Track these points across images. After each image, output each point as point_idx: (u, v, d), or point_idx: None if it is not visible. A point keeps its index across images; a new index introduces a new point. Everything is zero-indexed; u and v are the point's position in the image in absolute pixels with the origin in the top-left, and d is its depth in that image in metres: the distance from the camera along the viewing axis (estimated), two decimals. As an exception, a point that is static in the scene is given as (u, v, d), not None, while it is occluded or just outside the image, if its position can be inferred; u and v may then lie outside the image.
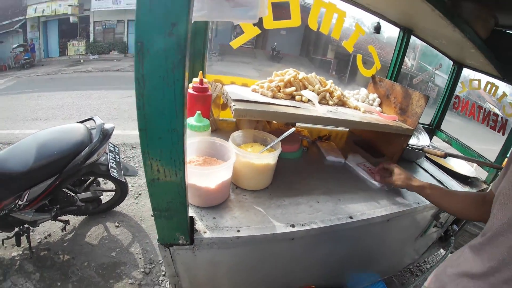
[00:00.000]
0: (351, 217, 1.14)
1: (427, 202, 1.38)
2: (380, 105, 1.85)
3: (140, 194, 2.94)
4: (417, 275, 2.42)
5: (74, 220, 2.43)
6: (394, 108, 1.74)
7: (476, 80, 2.30)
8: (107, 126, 2.11)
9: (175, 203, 0.78)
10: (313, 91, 1.46)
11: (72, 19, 14.86)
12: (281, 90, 1.40)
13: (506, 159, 1.49)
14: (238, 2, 0.94)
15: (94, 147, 1.93)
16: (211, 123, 1.41)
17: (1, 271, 1.94)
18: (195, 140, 1.07)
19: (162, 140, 0.66)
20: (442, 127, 2.55)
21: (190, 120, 1.18)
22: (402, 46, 1.99)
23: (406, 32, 1.92)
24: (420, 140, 2.03)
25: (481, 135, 4.55)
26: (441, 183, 1.70)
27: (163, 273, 2.09)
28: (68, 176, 1.88)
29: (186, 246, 0.88)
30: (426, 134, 2.07)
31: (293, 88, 1.41)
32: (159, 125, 0.64)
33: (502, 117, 2.12)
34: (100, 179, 2.62)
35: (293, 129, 1.17)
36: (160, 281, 2.04)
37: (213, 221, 0.96)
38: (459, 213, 1.07)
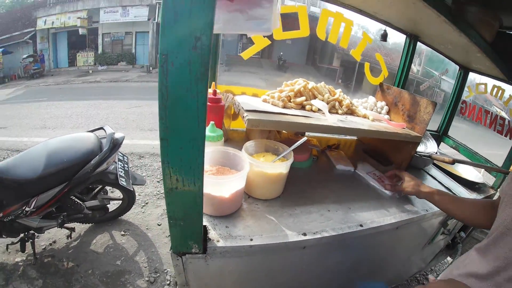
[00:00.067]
0: (361, 225, 1.15)
1: (436, 209, 1.39)
2: (388, 112, 1.86)
3: (147, 203, 2.95)
4: (423, 284, 2.38)
5: (80, 227, 2.45)
6: (402, 115, 1.75)
7: (482, 84, 2.28)
8: (117, 135, 2.14)
9: (192, 212, 0.80)
10: (322, 100, 1.47)
11: (81, 31, 15.21)
12: (291, 100, 1.42)
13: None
14: (252, 15, 0.97)
15: (104, 156, 1.96)
16: (223, 133, 1.43)
17: (4, 276, 1.96)
18: (208, 150, 1.09)
19: (183, 150, 0.67)
20: (450, 132, 2.54)
21: (205, 130, 1.21)
22: (409, 53, 2.01)
23: (413, 38, 1.94)
24: (428, 147, 2.03)
25: (488, 140, 4.51)
26: (449, 189, 1.69)
27: (168, 282, 2.09)
28: (77, 184, 1.90)
29: (199, 255, 0.90)
30: (434, 141, 2.07)
31: (303, 98, 1.42)
32: (181, 135, 0.66)
33: (509, 121, 2.08)
34: (108, 188, 2.65)
35: (304, 138, 1.19)
36: None
37: (226, 230, 0.97)
38: (468, 220, 1.07)
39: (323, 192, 1.33)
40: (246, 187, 1.11)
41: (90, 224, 2.51)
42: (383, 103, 1.89)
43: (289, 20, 1.61)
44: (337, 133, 1.32)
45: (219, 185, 0.95)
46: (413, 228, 1.42)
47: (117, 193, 2.71)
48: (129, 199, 2.45)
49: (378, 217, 1.23)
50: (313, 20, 1.60)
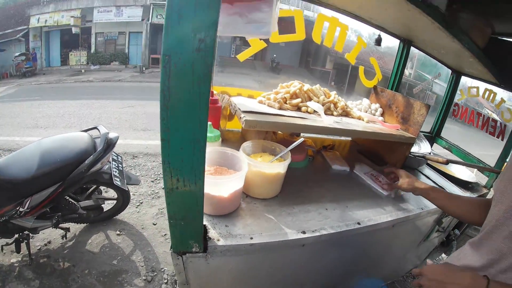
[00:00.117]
0: (358, 223, 1.17)
1: (431, 207, 1.43)
2: (382, 114, 1.89)
3: (141, 203, 2.94)
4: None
5: (75, 227, 2.43)
6: (396, 117, 1.78)
7: (474, 87, 2.34)
8: (111, 135, 2.12)
9: (192, 211, 0.80)
10: (318, 102, 1.50)
11: (74, 30, 15.05)
12: (287, 102, 1.44)
13: (505, 163, 1.52)
14: (251, 18, 0.99)
15: (98, 156, 1.94)
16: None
17: (0, 277, 1.93)
18: (206, 150, 1.09)
19: (184, 151, 0.68)
20: (442, 134, 2.60)
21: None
22: (403, 57, 2.05)
23: (406, 43, 1.98)
24: (421, 147, 2.07)
25: (480, 141, 4.60)
26: (443, 188, 1.73)
27: (165, 281, 2.09)
28: (71, 184, 1.89)
29: (199, 254, 0.91)
30: (427, 142, 2.11)
31: (299, 100, 1.45)
32: (182, 135, 0.66)
33: (501, 123, 2.15)
34: (102, 187, 2.63)
35: (302, 139, 1.21)
36: None
37: (226, 229, 0.98)
38: (463, 217, 1.08)
39: (320, 191, 1.36)
40: (244, 186, 1.13)
41: (85, 224, 2.49)
42: (377, 105, 1.93)
43: (285, 24, 1.63)
44: (333, 134, 1.34)
45: (218, 185, 0.96)
46: (408, 226, 1.45)
47: (112, 193, 2.71)
48: (123, 198, 2.44)
49: (374, 215, 1.25)
50: (307, 24, 1.62)
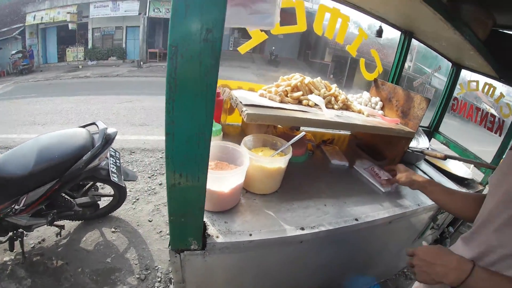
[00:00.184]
0: (356, 219, 1.17)
1: (427, 204, 1.43)
2: (382, 108, 1.88)
3: (137, 199, 2.92)
4: (411, 279, 2.42)
5: (70, 225, 2.41)
6: (396, 111, 1.77)
7: (474, 81, 2.33)
8: (110, 131, 2.10)
9: (194, 208, 0.79)
10: (319, 95, 1.48)
11: (70, 26, 14.89)
12: (288, 95, 1.42)
13: (502, 159, 1.52)
14: (255, 9, 0.96)
15: (96, 152, 1.92)
16: (220, 127, 1.43)
17: None
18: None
19: (189, 144, 0.67)
20: (440, 129, 2.59)
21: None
22: (404, 49, 2.03)
23: (407, 35, 1.96)
24: (420, 142, 2.06)
25: (477, 137, 4.60)
26: (440, 183, 1.74)
27: (159, 279, 2.07)
28: (68, 180, 1.86)
29: (198, 252, 0.90)
30: (426, 137, 2.11)
31: (300, 93, 1.43)
32: (188, 129, 0.65)
33: (499, 118, 2.13)
34: (99, 184, 2.60)
35: (303, 133, 1.20)
36: None
37: (225, 225, 0.97)
38: (459, 212, 1.08)
39: (319, 187, 1.35)
40: (244, 182, 1.11)
41: (80, 222, 2.47)
42: (377, 98, 1.91)
43: (284, 15, 1.61)
44: (334, 128, 1.34)
45: (219, 180, 0.95)
46: (405, 222, 1.45)
47: (108, 189, 2.68)
48: (120, 195, 2.42)
49: (372, 212, 1.25)
50: (306, 15, 1.60)
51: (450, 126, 3.02)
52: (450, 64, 2.38)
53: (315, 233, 1.04)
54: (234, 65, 11.78)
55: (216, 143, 1.12)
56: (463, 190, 1.80)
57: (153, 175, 3.46)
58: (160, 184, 3.26)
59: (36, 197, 1.79)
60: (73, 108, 6.34)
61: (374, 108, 1.87)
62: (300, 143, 1.42)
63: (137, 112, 6.14)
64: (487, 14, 1.54)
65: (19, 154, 1.81)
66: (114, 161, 2.21)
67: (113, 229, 2.46)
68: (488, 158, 2.09)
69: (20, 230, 1.94)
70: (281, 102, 1.35)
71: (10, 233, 1.93)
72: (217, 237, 0.92)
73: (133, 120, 5.53)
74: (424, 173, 1.86)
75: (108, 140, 2.05)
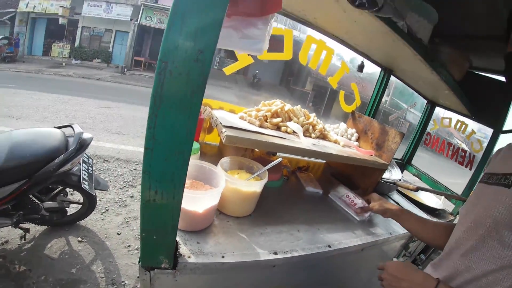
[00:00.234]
0: (329, 246, 1.19)
1: (399, 232, 1.49)
2: (357, 139, 1.96)
3: (107, 210, 2.84)
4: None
5: (35, 229, 2.32)
6: (371, 143, 1.85)
7: (447, 118, 2.48)
8: (86, 135, 2.06)
9: (167, 226, 0.79)
10: (297, 123, 1.53)
11: (61, 20, 14.61)
12: (268, 120, 1.46)
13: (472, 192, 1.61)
14: (246, 34, 1.00)
15: (69, 156, 1.88)
16: (198, 146, 1.44)
17: None
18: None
19: (167, 162, 0.67)
20: (413, 161, 2.71)
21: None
22: (382, 85, 2.14)
23: (387, 72, 2.07)
24: (392, 174, 2.16)
25: (448, 170, 4.82)
26: (411, 213, 1.80)
27: (125, 295, 2.01)
28: (38, 182, 1.80)
29: (168, 271, 0.88)
30: (398, 169, 2.20)
31: (280, 119, 1.47)
32: (168, 146, 0.65)
33: (469, 153, 2.27)
34: (68, 190, 2.52)
35: (280, 159, 1.23)
36: None
37: (198, 246, 0.97)
38: (431, 240, 1.12)
39: (293, 213, 1.37)
40: (218, 203, 1.12)
41: (46, 227, 2.38)
42: (354, 130, 1.99)
43: (272, 41, 1.67)
44: (311, 156, 1.37)
45: (194, 200, 0.95)
46: (377, 250, 1.50)
47: (77, 196, 2.60)
48: (89, 203, 2.35)
49: (345, 239, 1.28)
50: (293, 43, 1.66)
51: (422, 159, 3.17)
52: (425, 101, 2.52)
53: (288, 258, 1.05)
54: (216, 84, 11.85)
55: (193, 162, 1.13)
56: (434, 220, 1.87)
57: (125, 186, 3.38)
58: (132, 197, 3.18)
59: (3, 195, 1.71)
60: (50, 106, 6.16)
61: (350, 139, 1.94)
62: (276, 168, 1.45)
63: (114, 119, 6.03)
64: (465, 57, 1.67)
65: (-12, 147, 1.73)
66: (87, 167, 2.16)
67: (79, 239, 2.37)
68: (458, 190, 2.21)
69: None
70: (260, 126, 1.38)
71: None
72: (189, 257, 0.91)
73: (110, 127, 5.42)
74: (396, 203, 1.93)
75: (83, 145, 2.01)
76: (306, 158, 2.20)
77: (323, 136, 1.66)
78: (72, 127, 2.10)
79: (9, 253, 2.07)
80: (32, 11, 14.40)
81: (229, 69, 1.62)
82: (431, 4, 1.30)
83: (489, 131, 2.11)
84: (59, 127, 2.12)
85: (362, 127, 1.96)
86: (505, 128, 2.03)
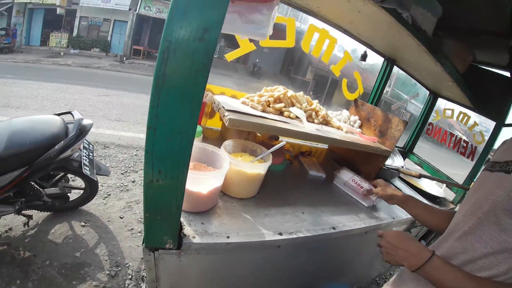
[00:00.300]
0: (333, 228, 1.20)
1: (401, 217, 1.50)
2: (360, 127, 1.95)
3: (109, 195, 2.84)
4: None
5: (38, 215, 2.31)
6: (374, 130, 1.85)
7: (449, 109, 2.47)
8: (85, 122, 2.04)
9: (171, 206, 0.78)
10: (300, 109, 1.52)
11: (58, 11, 14.41)
12: (270, 105, 1.45)
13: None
14: (250, 19, 0.99)
15: (69, 142, 1.86)
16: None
17: None
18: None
19: (170, 141, 0.65)
20: (414, 151, 2.72)
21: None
22: (385, 75, 2.13)
23: (390, 62, 2.06)
24: (395, 161, 2.16)
25: (448, 161, 4.84)
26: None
27: (130, 276, 2.02)
28: (39, 168, 1.79)
29: (172, 251, 0.88)
30: (401, 156, 2.20)
31: (282, 104, 1.47)
32: (171, 125, 0.64)
33: (471, 144, 2.27)
34: (70, 176, 2.50)
35: (284, 142, 1.22)
36: (126, 285, 1.96)
37: (202, 226, 0.97)
38: (435, 227, 1.12)
39: (297, 195, 1.38)
40: (222, 185, 1.12)
41: (49, 213, 2.37)
42: (356, 117, 1.99)
43: (274, 31, 1.66)
44: (314, 141, 1.37)
45: (198, 181, 0.95)
46: (380, 233, 1.50)
47: (79, 182, 2.60)
48: (91, 189, 2.34)
49: (348, 222, 1.29)
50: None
51: (423, 149, 3.17)
52: (427, 92, 2.51)
53: (293, 239, 1.06)
54: (216, 72, 11.73)
55: (195, 144, 1.11)
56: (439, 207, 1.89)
57: (126, 171, 3.38)
58: (133, 182, 3.18)
59: (4, 183, 1.69)
60: (49, 95, 6.10)
61: (352, 126, 1.94)
62: (279, 152, 1.45)
63: (114, 107, 5.99)
64: (468, 50, 1.66)
65: (-12, 136, 1.72)
66: (87, 153, 2.15)
67: (82, 223, 2.37)
68: (458, 181, 2.21)
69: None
70: (263, 111, 1.37)
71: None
72: (194, 237, 0.91)
73: (110, 115, 5.39)
74: (399, 189, 1.92)
75: (82, 131, 1.99)
76: (308, 143, 2.20)
77: (326, 122, 1.65)
78: (71, 113, 2.08)
79: (13, 240, 2.06)
80: (29, 1, 14.17)
81: (231, 56, 1.61)
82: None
83: (490, 125, 2.11)
84: (59, 114, 2.10)
85: (365, 115, 1.96)
86: (507, 121, 2.03)
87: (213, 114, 1.79)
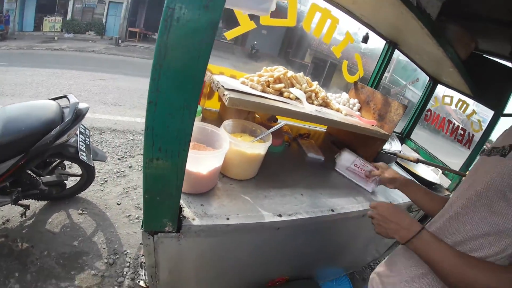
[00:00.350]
0: (332, 210, 1.20)
1: (398, 201, 1.51)
2: (359, 110, 1.94)
3: (106, 181, 2.81)
4: None
5: (35, 205, 2.28)
6: (373, 114, 1.83)
7: (449, 96, 2.46)
8: (81, 106, 1.98)
9: (171, 186, 0.75)
10: (300, 90, 1.50)
11: (52, -7, 14.04)
12: (270, 86, 1.43)
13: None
14: None
15: (65, 127, 1.81)
16: (199, 110, 1.41)
17: None
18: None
19: (172, 117, 0.62)
20: (412, 137, 2.71)
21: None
22: (386, 58, 2.10)
23: (392, 45, 2.02)
24: (392, 146, 2.15)
25: (445, 149, 4.86)
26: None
27: (128, 264, 2.02)
28: (35, 156, 1.75)
29: (172, 234, 0.86)
30: (398, 141, 2.20)
31: (282, 85, 1.44)
32: (173, 100, 0.60)
33: (469, 132, 2.28)
34: (66, 162, 2.47)
35: (284, 122, 1.21)
36: (124, 273, 1.96)
37: (202, 208, 0.95)
38: (434, 213, 1.13)
39: (296, 177, 1.38)
40: (221, 166, 1.10)
41: (46, 202, 2.34)
42: (356, 100, 1.97)
43: (275, 11, 1.62)
44: (314, 122, 1.36)
45: (198, 160, 0.93)
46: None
47: (75, 169, 2.57)
48: (88, 175, 2.31)
49: (347, 204, 1.30)
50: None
51: (420, 136, 3.17)
52: (427, 78, 2.49)
53: (292, 220, 1.06)
54: (213, 54, 11.47)
55: (195, 124, 1.09)
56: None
57: (123, 157, 3.35)
58: (130, 167, 3.16)
59: (0, 172, 1.66)
60: (43, 81, 5.99)
61: (351, 109, 1.92)
62: (278, 133, 1.44)
63: (110, 91, 5.89)
64: (471, 37, 1.64)
65: (-18, 125, 1.67)
66: (84, 138, 2.10)
67: (80, 211, 2.35)
68: (455, 168, 2.22)
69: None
70: (263, 91, 1.35)
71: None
72: (193, 219, 0.89)
73: (106, 99, 5.30)
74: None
75: (79, 115, 1.93)
76: (307, 126, 2.19)
77: (325, 104, 1.63)
78: (67, 97, 2.02)
79: (10, 232, 2.04)
80: (21, -14, 13.78)
81: (231, 34, 1.56)
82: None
83: (488, 115, 2.11)
84: (54, 99, 2.04)
85: (364, 98, 1.94)
86: (506, 111, 2.04)
87: (212, 95, 1.76)
